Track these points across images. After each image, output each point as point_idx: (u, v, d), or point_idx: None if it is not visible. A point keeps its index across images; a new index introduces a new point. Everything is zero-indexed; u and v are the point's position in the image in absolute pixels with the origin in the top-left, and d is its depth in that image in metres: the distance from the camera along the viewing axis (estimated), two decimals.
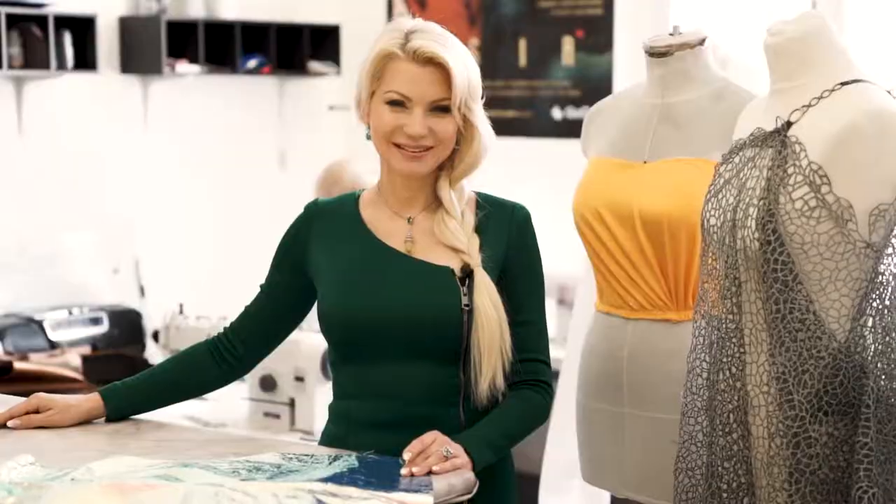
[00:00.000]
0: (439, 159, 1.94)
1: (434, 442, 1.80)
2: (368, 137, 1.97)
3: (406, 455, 1.77)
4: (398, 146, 1.91)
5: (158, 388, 2.02)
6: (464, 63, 1.91)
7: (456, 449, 1.80)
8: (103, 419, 2.00)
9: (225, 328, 2.06)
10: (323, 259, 1.97)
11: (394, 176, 1.97)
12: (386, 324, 1.90)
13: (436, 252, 1.94)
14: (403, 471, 1.75)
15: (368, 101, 1.94)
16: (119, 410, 1.98)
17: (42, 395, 1.98)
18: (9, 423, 1.91)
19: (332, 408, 2.01)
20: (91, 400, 1.98)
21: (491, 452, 1.86)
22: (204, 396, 2.73)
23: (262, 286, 2.05)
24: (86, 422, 1.98)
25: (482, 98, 1.97)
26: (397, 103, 1.90)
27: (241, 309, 2.08)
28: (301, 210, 2.06)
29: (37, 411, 1.95)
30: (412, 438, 1.81)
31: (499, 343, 1.89)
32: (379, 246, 1.95)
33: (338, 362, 1.98)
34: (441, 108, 1.90)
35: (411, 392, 1.91)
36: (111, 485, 1.64)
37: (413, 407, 1.90)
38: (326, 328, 1.96)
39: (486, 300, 1.89)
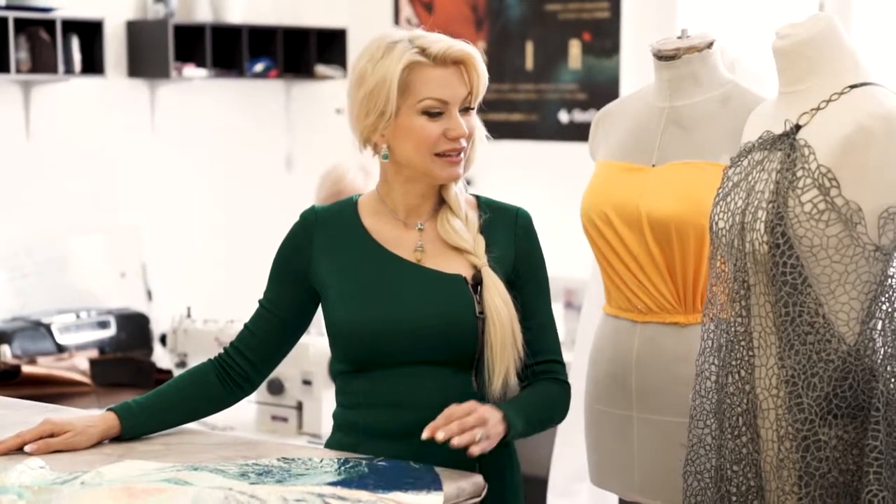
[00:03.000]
0: (469, 159, 1.95)
1: (471, 414, 1.77)
2: (385, 157, 1.93)
3: (440, 420, 1.75)
4: (439, 155, 1.90)
5: (171, 410, 1.98)
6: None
7: (492, 423, 1.79)
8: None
9: (226, 348, 2.02)
10: (329, 271, 1.95)
11: (408, 185, 1.95)
12: (401, 335, 1.89)
13: (445, 259, 1.93)
14: (439, 435, 1.73)
15: (394, 120, 1.89)
16: (133, 430, 1.95)
17: (55, 419, 1.92)
18: (26, 449, 1.86)
19: (337, 416, 2.00)
20: (107, 419, 1.94)
21: (525, 426, 1.87)
22: None
23: (261, 302, 2.01)
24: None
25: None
26: (435, 112, 1.89)
27: (247, 314, 2.06)
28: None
29: (51, 435, 1.89)
30: (425, 447, 1.80)
31: (511, 340, 1.89)
32: (388, 256, 1.93)
33: (346, 373, 1.96)
34: (467, 107, 1.92)
35: (424, 400, 1.89)
36: (121, 488, 1.64)
37: (426, 415, 1.87)
38: (338, 341, 1.94)
39: (497, 299, 1.89)
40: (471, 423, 1.77)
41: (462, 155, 1.92)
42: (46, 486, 1.66)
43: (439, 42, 1.90)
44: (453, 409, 1.79)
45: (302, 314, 2.00)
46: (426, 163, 1.91)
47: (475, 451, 1.76)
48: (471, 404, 1.81)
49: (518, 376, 1.92)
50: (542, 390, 1.94)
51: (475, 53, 1.91)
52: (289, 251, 1.99)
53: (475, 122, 1.94)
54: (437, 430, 1.75)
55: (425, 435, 1.75)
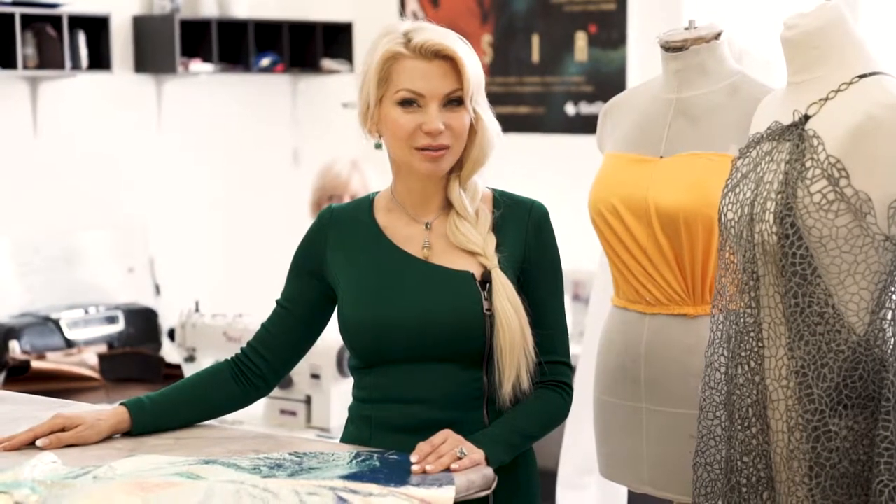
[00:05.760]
0: (456, 156, 1.92)
1: (445, 442, 1.79)
2: (378, 147, 1.95)
3: (413, 457, 1.76)
4: (418, 149, 1.88)
5: (183, 408, 1.98)
6: (469, 54, 1.90)
7: (469, 447, 1.79)
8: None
9: (243, 348, 2.02)
10: (342, 268, 1.95)
11: (410, 179, 1.94)
12: (408, 332, 1.88)
13: (454, 256, 1.92)
14: (415, 468, 1.74)
15: (377, 108, 1.91)
16: (144, 426, 1.95)
17: (66, 413, 1.93)
18: (37, 444, 1.86)
19: (351, 410, 2.00)
20: (117, 414, 1.94)
21: (504, 451, 1.85)
22: None
23: (278, 301, 2.01)
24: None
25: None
26: (410, 102, 1.88)
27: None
28: (310, 212, 2.04)
29: (62, 429, 1.89)
30: None
31: (520, 345, 1.87)
32: (398, 253, 1.93)
33: (359, 367, 1.96)
34: (454, 101, 1.88)
35: (435, 396, 1.89)
36: (133, 483, 1.64)
37: (437, 411, 1.88)
38: (347, 336, 1.94)
39: (506, 303, 1.87)
40: (446, 450, 1.77)
41: (443, 151, 1.88)
42: (59, 480, 1.67)
43: (423, 34, 1.88)
44: (422, 444, 1.79)
45: (319, 312, 2.00)
46: (406, 156, 1.90)
47: (456, 466, 1.75)
48: (443, 433, 1.81)
49: (529, 378, 1.90)
50: (533, 403, 1.92)
51: (457, 48, 1.87)
52: (305, 250, 2.00)
53: (465, 118, 1.89)
54: (417, 463, 1.75)
55: (415, 470, 1.74)
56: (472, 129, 1.92)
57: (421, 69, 1.87)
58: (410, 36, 1.89)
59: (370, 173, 3.98)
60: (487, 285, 1.89)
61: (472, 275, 1.90)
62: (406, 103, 1.88)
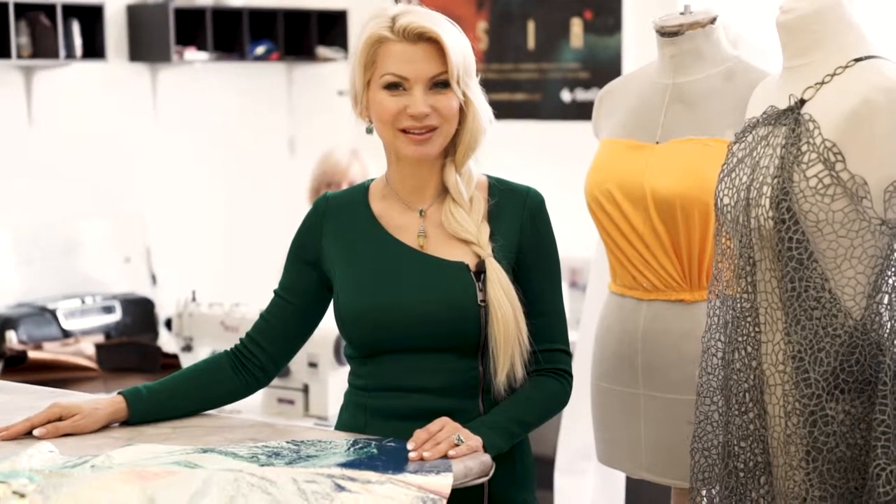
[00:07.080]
0: (446, 138, 1.90)
1: (443, 429, 1.78)
2: (369, 131, 1.94)
3: (410, 444, 1.76)
4: (404, 131, 1.88)
5: (181, 398, 1.97)
6: (455, 36, 1.89)
7: (466, 434, 1.79)
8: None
9: (242, 338, 2.01)
10: (337, 257, 1.94)
11: (402, 165, 1.94)
12: (402, 322, 1.88)
13: (449, 245, 1.91)
14: (412, 455, 1.73)
15: (365, 92, 1.91)
16: (141, 415, 1.94)
17: (62, 402, 1.92)
18: (35, 433, 1.86)
19: (347, 396, 2.00)
20: (114, 403, 1.93)
21: (502, 438, 1.84)
22: None
23: (276, 291, 2.01)
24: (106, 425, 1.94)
25: (478, 76, 1.94)
26: (395, 86, 1.87)
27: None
28: (307, 199, 2.03)
29: (59, 419, 1.89)
30: None
31: (514, 334, 1.87)
32: (392, 243, 1.92)
33: (354, 356, 1.96)
34: (440, 84, 1.87)
35: (431, 385, 1.89)
36: (131, 472, 1.64)
37: (432, 400, 1.88)
38: (343, 326, 1.94)
39: (500, 292, 1.87)
40: (443, 437, 1.76)
41: (430, 133, 1.87)
42: (57, 469, 1.67)
43: (408, 16, 1.87)
44: (419, 431, 1.78)
45: (317, 301, 1.99)
46: (391, 139, 1.90)
47: (453, 453, 1.75)
48: (441, 420, 1.80)
49: (524, 367, 1.90)
50: (530, 391, 1.91)
51: (440, 31, 1.86)
52: (302, 239, 1.99)
53: (452, 101, 1.88)
54: (414, 451, 1.75)
55: (412, 457, 1.74)
56: (463, 113, 1.91)
57: (405, 52, 1.87)
58: (396, 19, 1.88)
59: (369, 161, 3.99)
60: (482, 276, 1.89)
61: (467, 266, 1.89)
62: (392, 87, 1.88)
